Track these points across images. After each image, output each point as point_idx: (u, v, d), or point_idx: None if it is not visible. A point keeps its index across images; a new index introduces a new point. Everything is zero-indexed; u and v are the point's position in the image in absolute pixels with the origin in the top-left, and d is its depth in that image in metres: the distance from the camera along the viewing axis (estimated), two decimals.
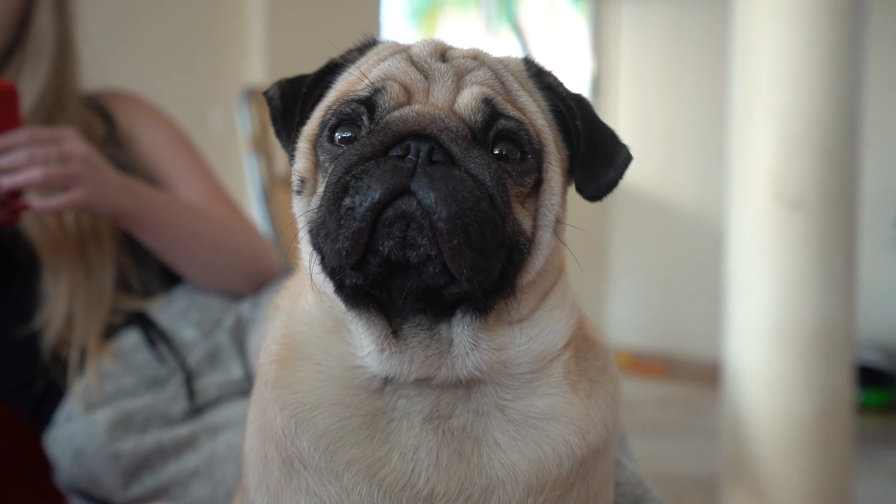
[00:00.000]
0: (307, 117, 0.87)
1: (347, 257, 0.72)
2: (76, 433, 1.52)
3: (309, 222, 0.79)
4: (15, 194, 1.41)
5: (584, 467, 0.82)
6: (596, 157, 0.84)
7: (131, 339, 1.62)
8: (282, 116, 0.89)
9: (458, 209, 0.71)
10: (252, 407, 0.91)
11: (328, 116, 0.82)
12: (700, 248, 5.95)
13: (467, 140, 0.76)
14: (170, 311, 1.68)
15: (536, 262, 0.80)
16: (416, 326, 0.79)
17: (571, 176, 0.86)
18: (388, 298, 0.76)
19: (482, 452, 0.79)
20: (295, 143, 0.86)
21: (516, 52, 0.91)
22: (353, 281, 0.75)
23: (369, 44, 0.91)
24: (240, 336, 1.69)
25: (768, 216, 3.03)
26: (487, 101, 0.79)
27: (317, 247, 0.77)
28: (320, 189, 0.79)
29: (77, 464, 1.52)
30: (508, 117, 0.79)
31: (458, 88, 0.80)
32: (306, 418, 0.81)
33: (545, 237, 0.81)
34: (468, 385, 0.81)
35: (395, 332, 0.79)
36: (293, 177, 0.85)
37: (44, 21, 1.63)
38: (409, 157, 0.73)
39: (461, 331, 0.79)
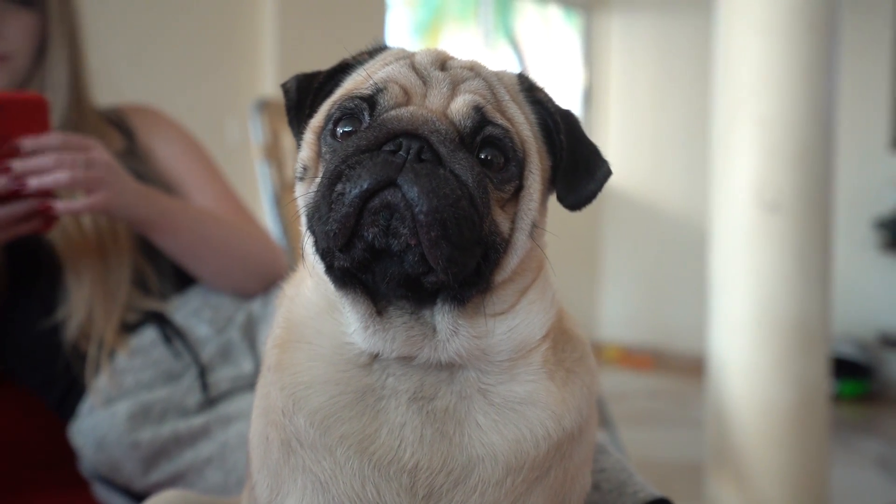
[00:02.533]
0: (316, 110, 0.88)
1: (335, 239, 0.74)
2: (98, 424, 1.53)
3: (306, 206, 0.80)
4: (42, 196, 1.42)
5: (561, 451, 0.82)
6: (578, 169, 0.85)
7: (148, 335, 1.63)
8: (295, 107, 0.90)
9: (438, 204, 0.72)
10: (257, 393, 0.92)
11: (333, 110, 0.83)
12: (686, 248, 5.96)
13: (455, 143, 0.77)
14: (184, 309, 1.68)
15: (511, 262, 0.81)
16: (400, 309, 0.81)
17: (553, 185, 0.87)
18: (373, 282, 0.78)
19: (464, 432, 0.80)
20: (303, 133, 0.87)
21: (513, 66, 0.92)
22: (341, 263, 0.76)
23: (379, 48, 0.92)
24: (251, 332, 1.70)
25: (749, 218, 3.03)
26: (478, 109, 0.80)
27: (311, 229, 0.79)
28: (319, 177, 0.81)
29: (99, 452, 1.53)
30: (496, 125, 0.80)
31: (452, 95, 0.81)
32: (302, 396, 0.82)
33: (521, 239, 0.81)
34: (451, 369, 0.82)
35: (380, 312, 0.80)
36: (297, 164, 0.86)
37: (57, 47, 1.65)
38: (400, 153, 0.74)
39: (442, 318, 0.80)
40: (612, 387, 5.51)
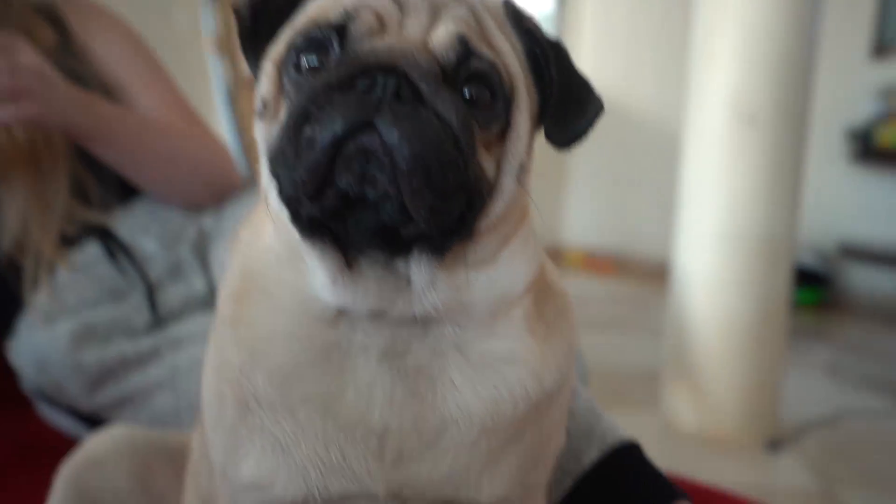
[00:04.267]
0: (275, 37, 0.78)
1: (304, 187, 0.66)
2: (38, 344, 1.46)
3: (269, 149, 0.72)
4: None
5: (539, 410, 0.79)
6: (568, 106, 0.77)
7: (91, 251, 1.54)
8: (250, 33, 0.78)
9: (421, 150, 0.64)
10: (211, 345, 0.85)
11: (297, 39, 0.73)
12: (655, 153, 5.92)
13: (437, 79, 0.68)
14: (129, 224, 1.59)
15: (497, 208, 0.74)
16: (372, 260, 0.74)
17: (541, 122, 0.79)
18: (344, 231, 0.71)
19: (436, 391, 0.75)
20: (261, 63, 0.78)
21: None
22: (309, 212, 0.69)
23: None
24: (202, 249, 1.62)
25: (724, 130, 2.97)
26: (461, 40, 0.71)
27: (274, 174, 0.71)
28: (282, 115, 0.72)
29: (40, 373, 1.47)
30: (481, 58, 0.71)
31: (432, 23, 0.72)
32: (260, 352, 0.76)
33: (508, 183, 0.74)
34: (425, 323, 0.76)
35: (350, 265, 0.74)
36: (256, 99, 0.77)
37: None
38: (376, 91, 0.65)
39: (418, 269, 0.73)
40: (573, 292, 5.54)
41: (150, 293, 1.52)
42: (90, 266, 1.53)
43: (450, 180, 0.66)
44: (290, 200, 0.69)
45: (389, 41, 0.69)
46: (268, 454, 0.76)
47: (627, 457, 1.03)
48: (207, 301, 1.56)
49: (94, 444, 1.04)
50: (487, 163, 0.72)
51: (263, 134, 0.74)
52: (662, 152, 5.43)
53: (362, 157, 0.64)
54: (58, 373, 1.45)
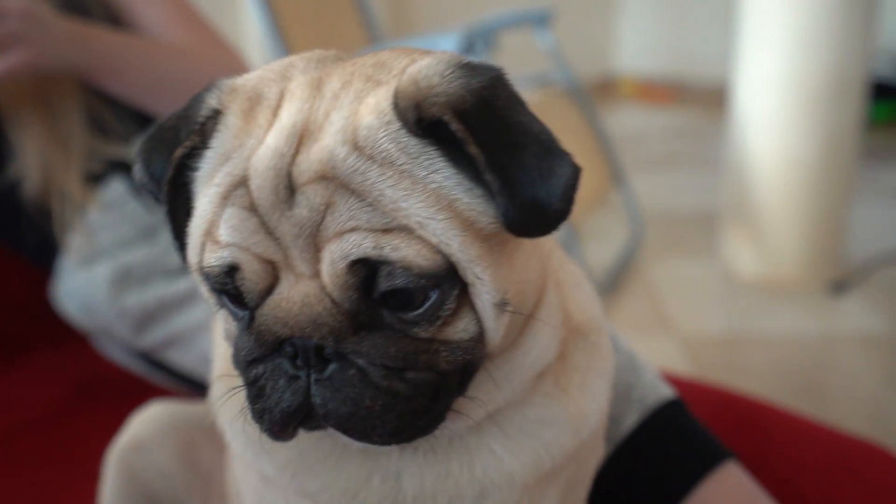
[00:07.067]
0: (183, 228, 0.67)
1: (276, 437, 0.65)
2: (80, 287, 1.48)
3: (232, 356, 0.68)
4: None
5: (577, 452, 0.76)
6: (529, 193, 0.58)
7: (118, 187, 1.51)
8: (158, 200, 0.69)
9: (373, 423, 0.61)
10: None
11: (200, 268, 0.64)
12: None
13: (351, 331, 0.59)
14: None
15: (493, 344, 0.65)
16: None
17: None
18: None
19: (475, 464, 0.71)
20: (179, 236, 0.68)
21: (381, 94, 0.61)
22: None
23: (208, 117, 0.67)
24: None
25: None
26: (354, 265, 0.58)
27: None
28: (232, 328, 0.68)
29: (88, 317, 1.50)
30: (389, 271, 0.58)
31: (317, 250, 0.59)
32: (266, 450, 0.73)
33: (492, 326, 0.63)
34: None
35: None
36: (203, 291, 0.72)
37: None
38: (298, 361, 0.61)
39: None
40: (627, 128, 5.35)
41: None
42: (119, 204, 1.51)
43: (417, 409, 0.61)
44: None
45: (284, 304, 0.60)
46: None
47: (669, 418, 1.00)
48: None
49: (138, 427, 1.06)
50: (458, 331, 0.62)
51: (223, 328, 0.70)
52: None
53: (319, 419, 0.62)
54: (103, 317, 1.48)
